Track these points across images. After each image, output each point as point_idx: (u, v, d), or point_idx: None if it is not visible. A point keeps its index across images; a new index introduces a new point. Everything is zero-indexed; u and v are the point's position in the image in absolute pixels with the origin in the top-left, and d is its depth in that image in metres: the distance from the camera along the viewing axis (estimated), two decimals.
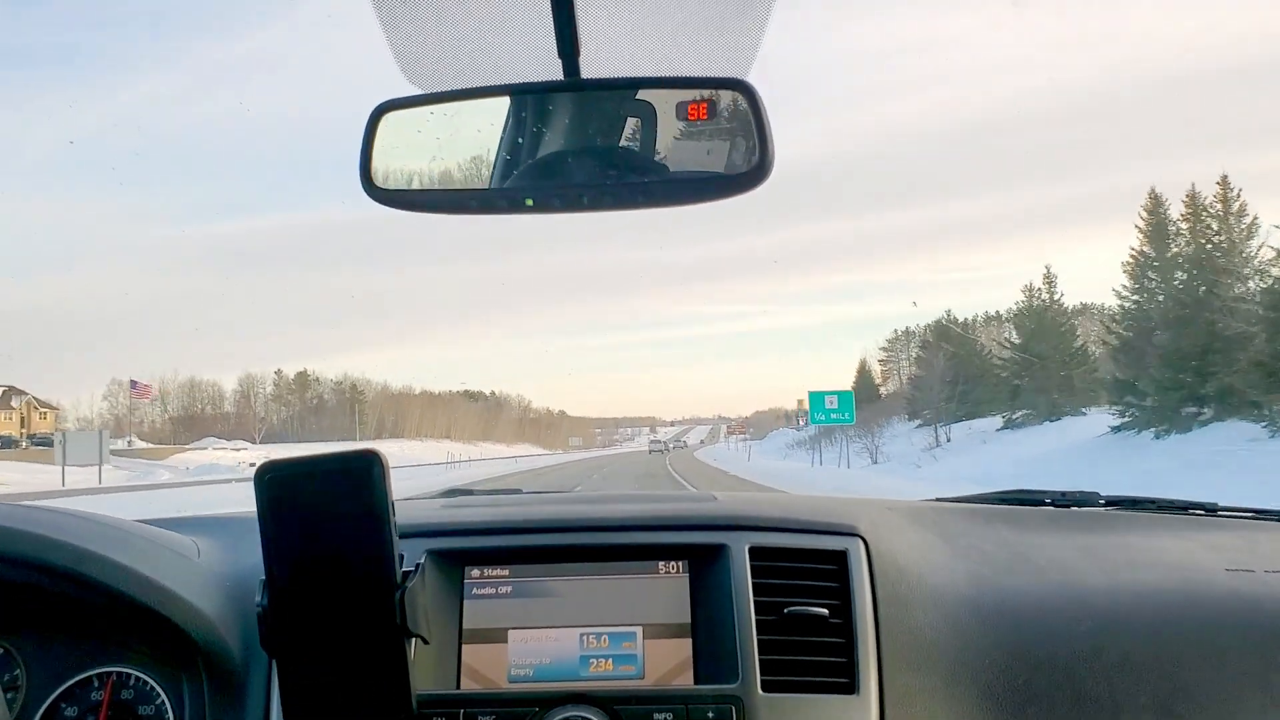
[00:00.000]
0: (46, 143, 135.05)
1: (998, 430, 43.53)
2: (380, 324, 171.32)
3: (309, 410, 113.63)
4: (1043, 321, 43.61)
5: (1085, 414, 39.08)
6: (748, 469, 33.58)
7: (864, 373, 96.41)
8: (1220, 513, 1.53)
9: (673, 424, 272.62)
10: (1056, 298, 45.20)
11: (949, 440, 44.58)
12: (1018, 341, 45.51)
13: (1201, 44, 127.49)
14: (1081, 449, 28.91)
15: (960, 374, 48.09)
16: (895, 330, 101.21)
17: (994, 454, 33.29)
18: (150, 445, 72.52)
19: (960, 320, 61.26)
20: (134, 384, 74.03)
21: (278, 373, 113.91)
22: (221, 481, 31.55)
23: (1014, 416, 42.88)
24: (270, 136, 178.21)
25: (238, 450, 69.21)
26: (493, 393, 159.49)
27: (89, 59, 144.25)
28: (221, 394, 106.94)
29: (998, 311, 63.38)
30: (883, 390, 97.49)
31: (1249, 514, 1.52)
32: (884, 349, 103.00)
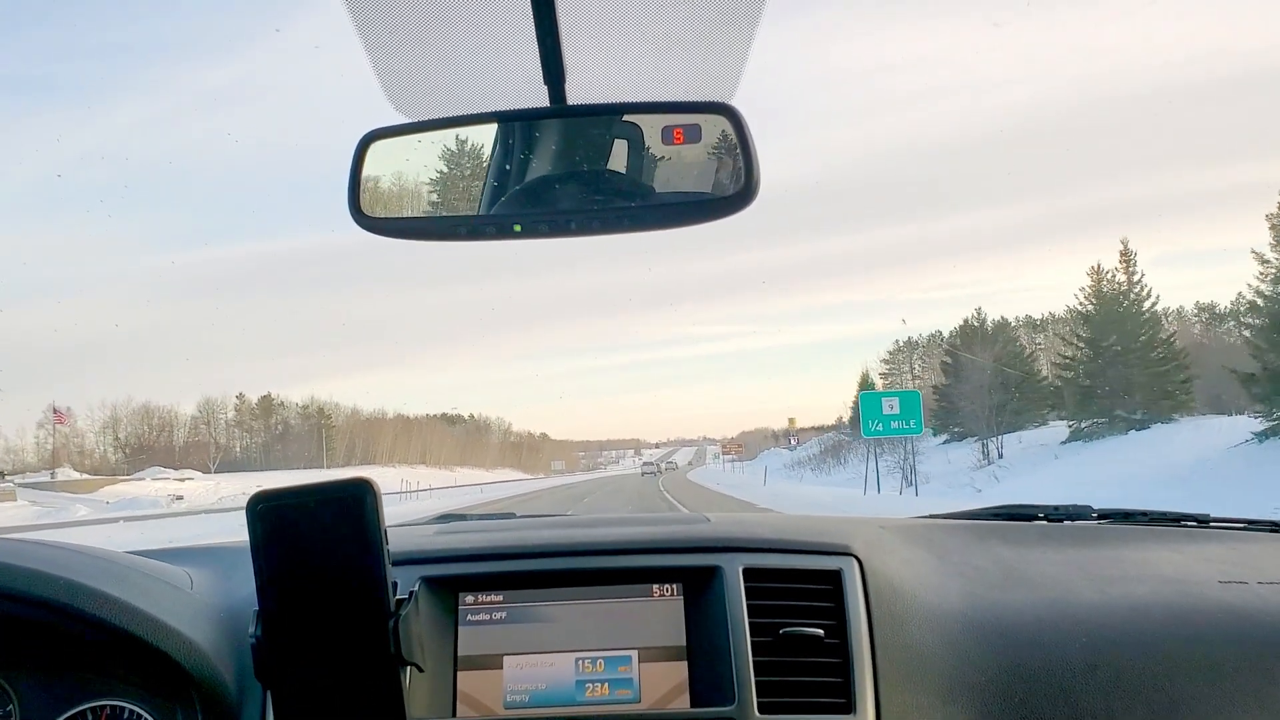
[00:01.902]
0: (32, 173, 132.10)
1: (1064, 442, 35.30)
2: (360, 349, 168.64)
3: (274, 437, 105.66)
4: (1120, 310, 35.01)
5: (1177, 420, 30.91)
6: (773, 498, 25.25)
7: (866, 386, 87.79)
8: (1212, 524, 1.54)
9: (657, 446, 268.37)
10: (1136, 278, 36.32)
11: (1000, 456, 36.47)
12: (1087, 335, 37.04)
13: (1184, 58, 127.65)
14: (1231, 464, 20.82)
15: (1009, 381, 39.94)
16: (896, 341, 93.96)
17: (1082, 472, 25.52)
18: (85, 477, 64.40)
19: (990, 322, 53.11)
20: (54, 410, 65.43)
21: (239, 397, 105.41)
22: (106, 521, 28.03)
23: (1082, 426, 34.51)
24: (257, 165, 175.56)
25: (182, 480, 64.52)
26: (472, 416, 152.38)
27: (71, 89, 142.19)
28: (179, 420, 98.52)
29: (998, 318, 55.52)
30: None
31: (1240, 525, 1.53)
32: (885, 361, 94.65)
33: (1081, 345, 38.12)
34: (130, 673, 1.10)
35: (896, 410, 23.59)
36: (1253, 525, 1.53)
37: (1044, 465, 32.13)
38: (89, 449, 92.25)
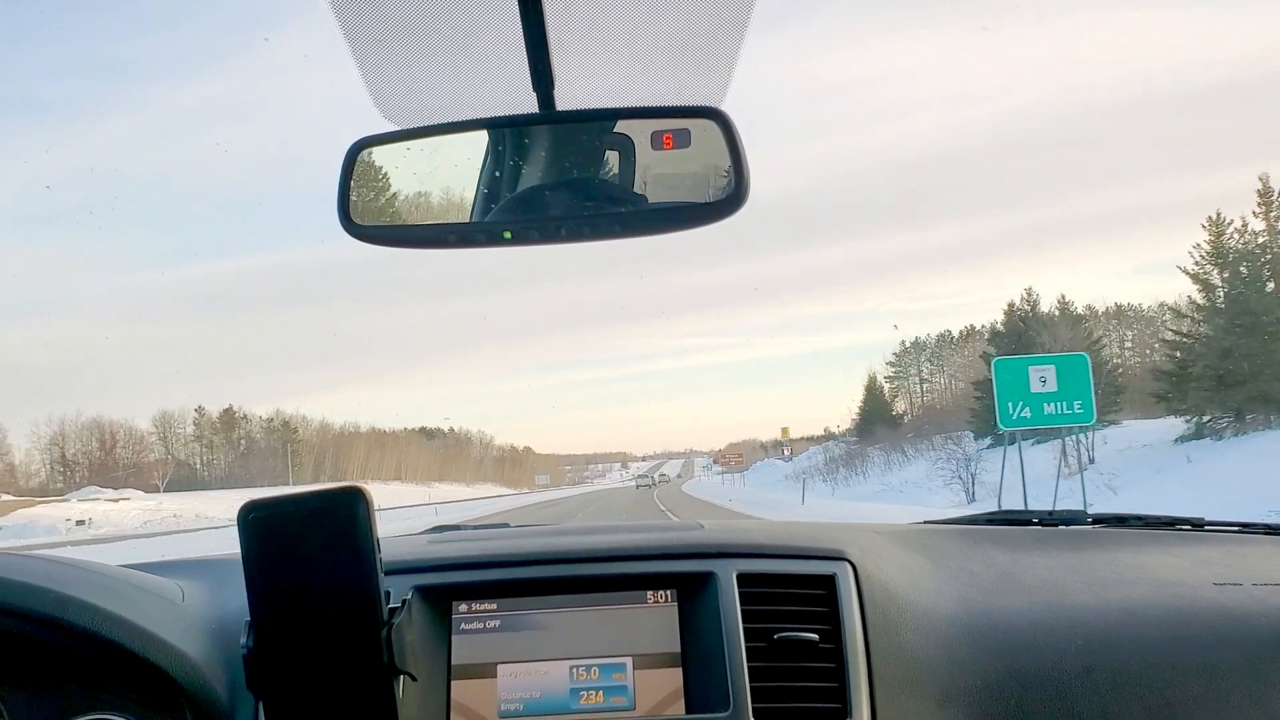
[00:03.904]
0: (19, 190, 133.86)
1: (1179, 440, 27.09)
2: (346, 365, 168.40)
3: (237, 453, 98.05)
4: (1259, 268, 26.14)
5: None
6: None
7: (873, 391, 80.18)
8: (1207, 527, 1.56)
9: (644, 459, 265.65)
10: None
11: (1092, 461, 28.30)
12: (1209, 306, 28.56)
13: (1171, 67, 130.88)
14: None
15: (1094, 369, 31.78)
16: (902, 343, 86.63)
17: (1255, 480, 17.04)
18: (9, 498, 55.98)
19: (1041, 306, 44.88)
20: None
21: (199, 411, 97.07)
22: None
23: (1203, 420, 26.28)
24: (245, 177, 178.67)
25: (116, 501, 57.68)
26: (452, 429, 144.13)
27: (59, 107, 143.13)
28: (132, 436, 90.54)
29: (1058, 299, 47.08)
30: (894, 409, 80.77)
31: (1235, 527, 1.56)
32: (890, 364, 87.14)
33: (1200, 320, 29.45)
34: (121, 686, 1.10)
35: (1052, 386, 15.20)
36: (1247, 528, 1.56)
37: (1169, 471, 24.21)
38: (34, 468, 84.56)
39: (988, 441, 41.82)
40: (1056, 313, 42.92)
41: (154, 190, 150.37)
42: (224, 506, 54.42)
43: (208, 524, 41.48)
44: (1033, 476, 31.53)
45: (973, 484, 30.73)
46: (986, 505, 24.68)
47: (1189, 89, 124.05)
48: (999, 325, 45.76)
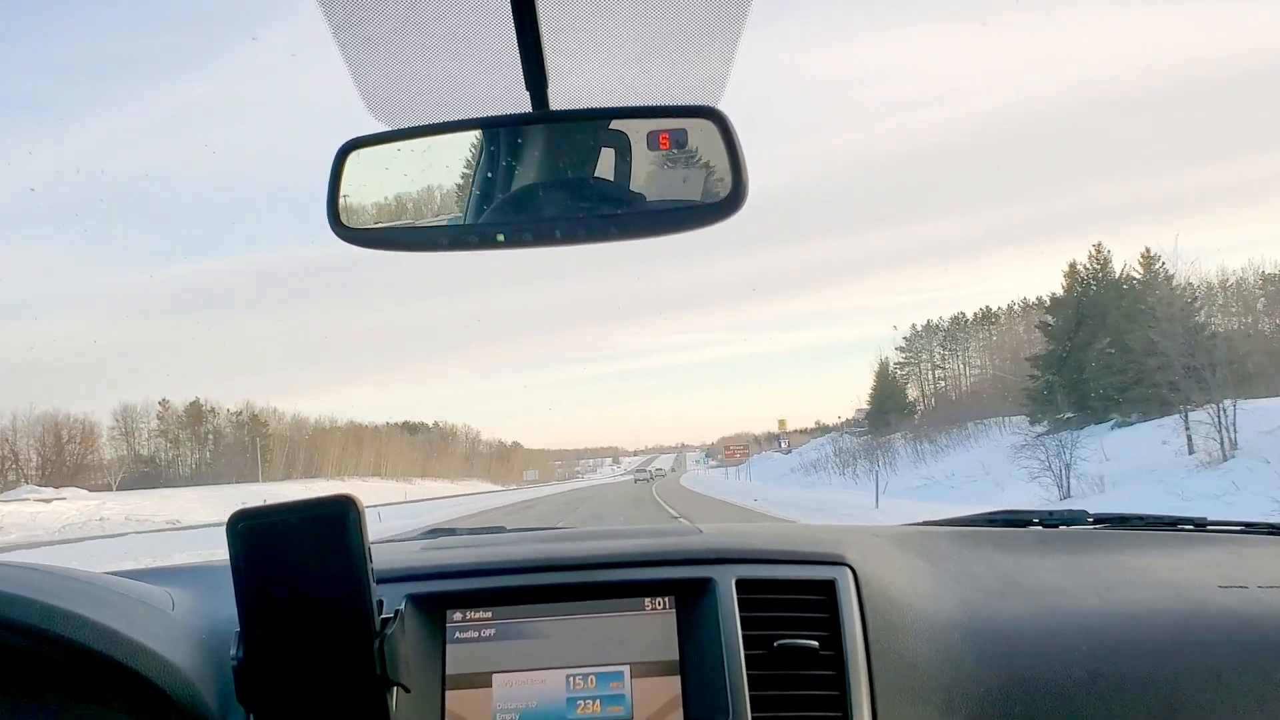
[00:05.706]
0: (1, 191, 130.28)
1: None
2: (337, 364, 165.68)
3: (204, 448, 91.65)
4: None
5: None
6: None
7: (885, 377, 73.79)
8: (1209, 527, 1.56)
9: (636, 454, 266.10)
10: None
11: (1235, 446, 21.84)
12: None
13: (1170, 62, 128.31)
14: None
15: (1195, 336, 25.45)
16: (914, 326, 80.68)
17: None
18: None
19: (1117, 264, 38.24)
20: None
21: (163, 404, 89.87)
22: None
23: None
24: (234, 178, 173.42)
25: (49, 501, 52.16)
26: (436, 424, 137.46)
27: (45, 107, 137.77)
28: (92, 431, 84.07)
29: (1143, 253, 40.41)
30: (908, 397, 74.50)
31: (1238, 528, 1.55)
32: (901, 349, 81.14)
33: None
34: (109, 696, 1.09)
35: None
36: (1251, 528, 1.54)
37: None
38: None
39: (1045, 426, 35.47)
40: (1138, 270, 36.56)
41: (140, 190, 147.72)
42: (175, 506, 48.37)
43: (136, 528, 35.72)
44: (1138, 465, 25.09)
45: (1067, 476, 24.20)
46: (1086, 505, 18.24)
47: (1186, 84, 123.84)
48: (1059, 292, 39.63)
